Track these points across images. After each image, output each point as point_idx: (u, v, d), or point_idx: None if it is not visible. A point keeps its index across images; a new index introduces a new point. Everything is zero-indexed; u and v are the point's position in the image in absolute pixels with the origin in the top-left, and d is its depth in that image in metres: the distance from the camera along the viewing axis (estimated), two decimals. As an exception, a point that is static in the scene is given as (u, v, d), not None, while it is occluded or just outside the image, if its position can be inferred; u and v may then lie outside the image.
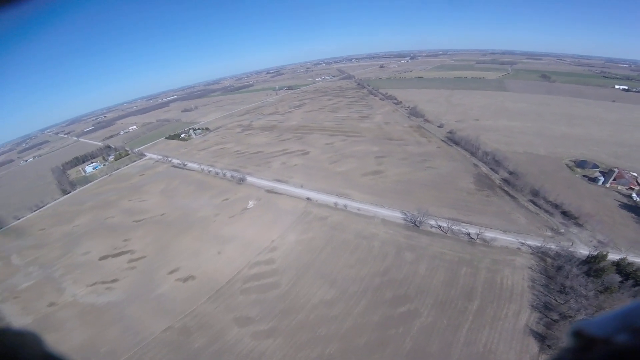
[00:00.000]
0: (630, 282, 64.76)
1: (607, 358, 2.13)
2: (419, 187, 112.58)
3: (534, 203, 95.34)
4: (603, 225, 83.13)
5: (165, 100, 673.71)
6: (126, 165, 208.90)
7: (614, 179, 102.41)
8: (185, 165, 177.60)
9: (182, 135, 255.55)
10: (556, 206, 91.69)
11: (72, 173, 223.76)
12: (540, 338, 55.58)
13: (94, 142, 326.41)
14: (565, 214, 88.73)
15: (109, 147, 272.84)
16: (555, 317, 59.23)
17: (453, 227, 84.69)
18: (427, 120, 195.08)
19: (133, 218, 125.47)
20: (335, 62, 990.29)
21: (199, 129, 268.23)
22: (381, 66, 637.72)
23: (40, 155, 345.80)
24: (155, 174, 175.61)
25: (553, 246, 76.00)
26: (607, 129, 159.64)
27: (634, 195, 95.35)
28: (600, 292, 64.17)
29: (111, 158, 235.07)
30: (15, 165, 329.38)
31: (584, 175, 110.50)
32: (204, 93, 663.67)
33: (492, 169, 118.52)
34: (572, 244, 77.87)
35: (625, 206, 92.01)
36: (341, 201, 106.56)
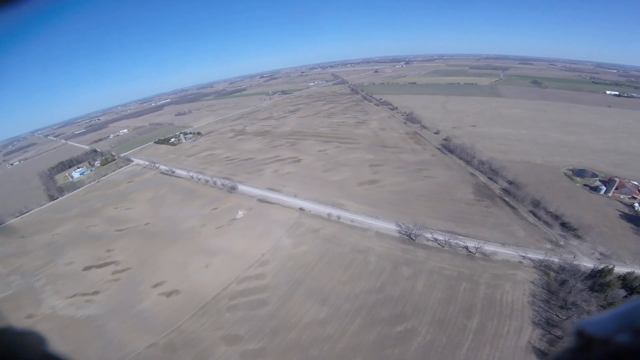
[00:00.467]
0: (635, 296, 62.09)
1: (607, 358, 2.15)
2: (415, 197, 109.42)
3: (534, 214, 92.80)
4: (604, 236, 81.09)
5: (159, 104, 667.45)
6: (114, 171, 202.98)
7: (616, 188, 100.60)
8: (173, 172, 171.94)
9: (172, 140, 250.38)
10: (556, 217, 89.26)
11: (60, 178, 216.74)
12: (544, 356, 53.43)
13: (81, 146, 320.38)
14: (564, 225, 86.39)
15: (95, 151, 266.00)
16: (559, 333, 57.18)
17: (451, 240, 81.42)
18: (423, 127, 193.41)
19: (116, 227, 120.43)
20: (331, 66, 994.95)
21: (190, 133, 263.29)
22: (375, 71, 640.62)
23: (26, 159, 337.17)
24: (144, 181, 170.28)
25: (556, 259, 73.50)
26: (603, 136, 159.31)
27: (636, 204, 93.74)
28: (604, 307, 61.87)
29: (97, 163, 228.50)
30: (2, 168, 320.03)
31: (585, 185, 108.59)
32: (197, 97, 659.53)
33: (490, 179, 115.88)
34: (574, 257, 75.45)
35: (625, 216, 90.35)
36: (335, 212, 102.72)
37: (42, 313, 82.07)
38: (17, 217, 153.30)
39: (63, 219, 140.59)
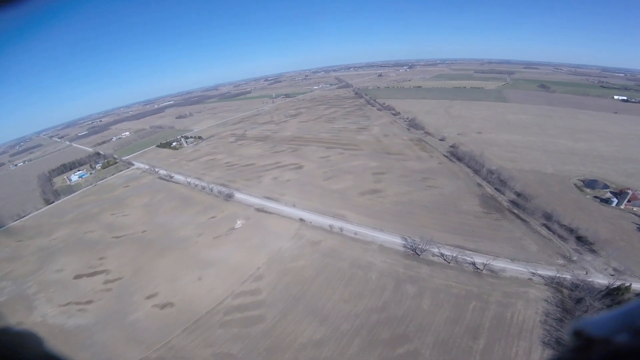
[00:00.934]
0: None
1: (607, 358, 2.13)
2: (420, 208, 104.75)
3: (547, 227, 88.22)
4: (621, 251, 76.64)
5: (161, 106, 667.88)
6: (112, 174, 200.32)
7: (629, 201, 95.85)
8: (171, 177, 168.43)
9: (174, 144, 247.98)
10: (571, 231, 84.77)
11: (58, 181, 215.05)
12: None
13: (85, 148, 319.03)
14: (580, 239, 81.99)
15: (98, 154, 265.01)
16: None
17: (458, 256, 77.12)
18: (427, 133, 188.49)
19: (113, 234, 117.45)
20: (334, 70, 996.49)
21: (191, 137, 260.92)
22: (379, 75, 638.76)
23: (31, 160, 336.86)
24: (140, 186, 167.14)
25: (568, 276, 69.18)
26: (613, 143, 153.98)
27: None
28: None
29: (99, 166, 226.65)
30: (5, 169, 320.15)
31: (595, 197, 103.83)
32: (201, 99, 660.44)
33: (497, 190, 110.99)
34: (586, 273, 71.22)
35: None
36: (337, 223, 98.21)
37: (32, 321, 79.63)
38: (17, 220, 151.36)
39: (59, 223, 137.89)
